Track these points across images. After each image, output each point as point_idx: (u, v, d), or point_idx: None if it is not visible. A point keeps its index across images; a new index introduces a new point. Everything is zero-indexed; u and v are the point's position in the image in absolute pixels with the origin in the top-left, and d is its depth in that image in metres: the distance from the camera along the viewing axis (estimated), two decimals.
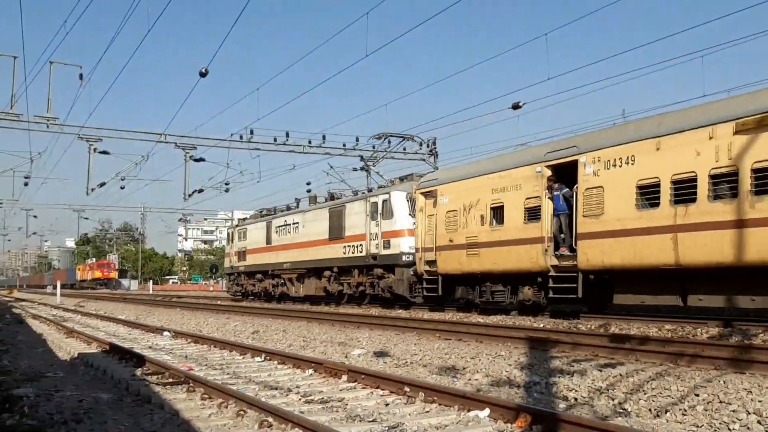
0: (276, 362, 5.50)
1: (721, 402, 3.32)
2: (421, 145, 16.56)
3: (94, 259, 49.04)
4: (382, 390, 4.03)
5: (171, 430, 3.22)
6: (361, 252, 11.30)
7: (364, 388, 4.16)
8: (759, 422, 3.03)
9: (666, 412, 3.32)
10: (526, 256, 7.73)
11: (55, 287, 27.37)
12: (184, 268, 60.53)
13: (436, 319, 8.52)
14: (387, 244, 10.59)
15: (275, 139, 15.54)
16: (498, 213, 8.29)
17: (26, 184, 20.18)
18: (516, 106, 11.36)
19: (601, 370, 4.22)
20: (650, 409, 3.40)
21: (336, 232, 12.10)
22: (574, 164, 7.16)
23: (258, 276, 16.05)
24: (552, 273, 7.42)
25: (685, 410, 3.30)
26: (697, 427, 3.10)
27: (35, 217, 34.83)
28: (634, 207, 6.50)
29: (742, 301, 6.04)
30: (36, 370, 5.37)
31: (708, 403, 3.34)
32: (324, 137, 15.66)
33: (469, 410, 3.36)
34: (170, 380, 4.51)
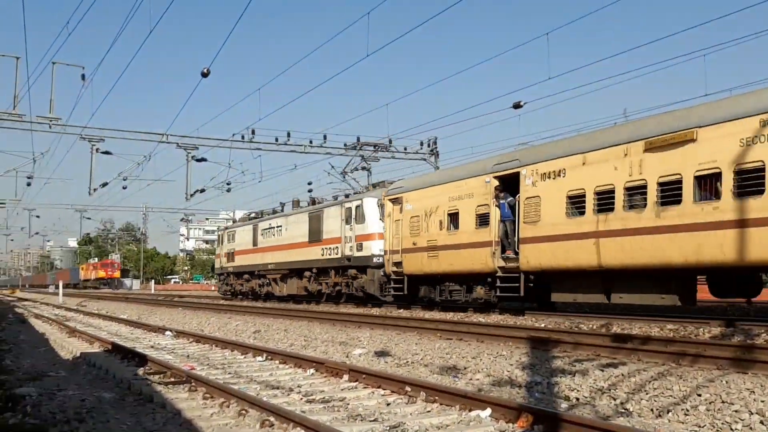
0: (277, 362, 5.51)
1: (723, 402, 3.31)
2: (423, 144, 16.60)
3: (96, 259, 49.14)
4: (384, 390, 4.04)
5: (173, 429, 3.23)
6: (336, 254, 12.19)
7: (365, 387, 4.17)
8: (762, 422, 3.02)
9: (668, 412, 3.31)
10: (477, 259, 8.67)
11: (57, 287, 27.49)
12: (186, 268, 60.72)
13: (437, 318, 8.57)
14: (360, 247, 11.48)
15: (276, 139, 15.59)
16: (454, 219, 9.19)
17: (29, 185, 20.28)
18: (517, 106, 11.55)
19: (602, 370, 4.22)
20: (652, 409, 3.40)
21: (315, 236, 13.01)
22: (516, 176, 8.13)
23: (245, 276, 16.91)
24: (499, 274, 8.40)
25: (688, 410, 3.29)
26: (700, 427, 3.09)
27: (38, 217, 35.08)
28: (565, 215, 7.41)
29: (654, 299, 6.77)
30: (38, 369, 5.40)
31: (710, 403, 3.33)
32: (325, 137, 15.72)
33: (470, 410, 3.35)
34: (172, 380, 4.52)
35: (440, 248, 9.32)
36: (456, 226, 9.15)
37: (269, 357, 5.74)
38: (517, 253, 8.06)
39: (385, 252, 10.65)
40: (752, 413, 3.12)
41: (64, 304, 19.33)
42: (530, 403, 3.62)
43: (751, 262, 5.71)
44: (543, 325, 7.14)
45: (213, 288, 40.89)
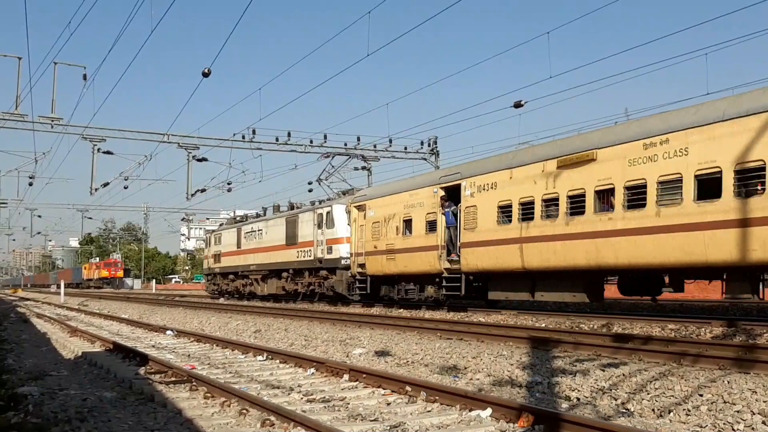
0: (278, 361, 5.52)
1: (725, 402, 3.30)
2: (423, 143, 16.60)
3: (97, 259, 49.17)
4: (384, 389, 4.04)
5: (174, 428, 3.23)
6: (310, 256, 13.23)
7: (365, 387, 4.17)
8: (764, 422, 3.01)
9: (669, 413, 3.30)
10: (427, 261, 9.75)
11: (59, 286, 27.55)
12: (187, 268, 60.78)
13: (437, 318, 8.63)
14: (330, 250, 12.48)
15: (277, 139, 15.63)
16: (408, 225, 10.34)
17: (31, 184, 20.35)
18: (518, 105, 11.58)
19: (603, 370, 4.21)
20: (653, 409, 3.38)
21: (291, 239, 14.07)
22: (458, 187, 9.22)
23: (230, 276, 17.95)
24: (445, 274, 9.46)
25: (689, 410, 3.28)
26: (701, 427, 3.08)
27: (39, 216, 35.13)
28: (496, 222, 8.52)
29: (567, 297, 7.85)
30: (40, 368, 5.41)
31: (712, 403, 3.32)
32: (325, 137, 15.79)
33: (470, 410, 3.35)
34: (173, 379, 4.53)
35: (397, 251, 10.45)
36: (410, 232, 10.25)
37: (270, 356, 5.74)
38: (458, 256, 9.11)
39: (351, 254, 11.75)
40: (754, 413, 3.10)
41: (66, 304, 19.41)
42: (531, 403, 3.61)
43: (639, 264, 6.67)
44: (543, 325, 7.18)
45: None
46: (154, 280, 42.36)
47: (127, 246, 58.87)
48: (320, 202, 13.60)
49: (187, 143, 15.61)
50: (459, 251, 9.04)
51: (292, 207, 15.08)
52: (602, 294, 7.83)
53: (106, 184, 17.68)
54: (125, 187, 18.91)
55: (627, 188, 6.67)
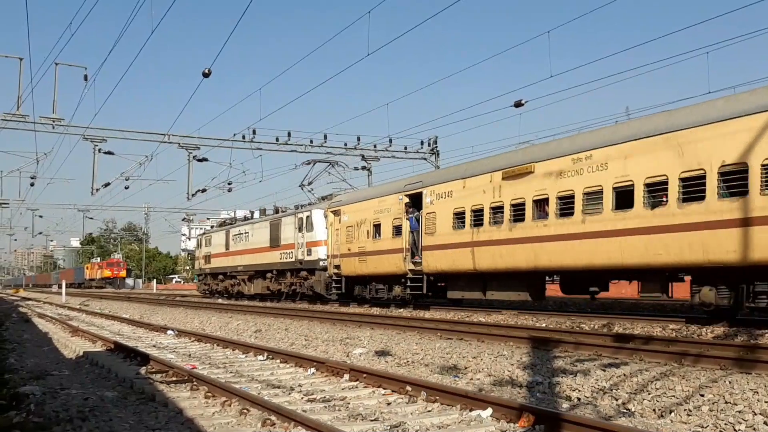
0: (278, 361, 5.52)
1: (726, 402, 3.29)
2: (423, 143, 16.61)
3: (99, 259, 49.20)
4: (384, 389, 4.04)
5: (175, 427, 3.23)
6: (291, 258, 14.24)
7: (365, 387, 4.17)
8: (765, 423, 3.00)
9: (670, 413, 3.30)
10: (393, 263, 10.63)
11: (60, 286, 27.58)
12: (188, 268, 60.85)
13: (437, 318, 8.70)
14: (309, 252, 13.52)
15: (277, 139, 15.64)
16: (378, 229, 11.20)
17: (32, 185, 20.38)
18: (518, 104, 11.65)
19: (604, 370, 4.20)
20: (654, 410, 3.38)
21: (275, 241, 15.08)
22: (420, 195, 10.09)
23: (220, 277, 19.01)
24: (409, 275, 10.30)
25: (690, 411, 3.27)
26: (703, 427, 3.07)
27: (41, 217, 35.18)
28: (452, 228, 9.30)
29: (513, 296, 8.70)
30: (42, 368, 5.43)
31: (713, 403, 3.31)
32: (325, 137, 15.85)
33: (471, 410, 3.35)
34: (174, 379, 4.54)
35: (368, 254, 11.32)
36: (379, 235, 11.13)
37: (270, 356, 5.75)
38: (421, 259, 9.97)
39: (328, 256, 12.64)
40: (756, 414, 3.09)
41: (67, 304, 19.44)
42: (531, 403, 3.60)
43: (570, 267, 7.53)
44: (544, 325, 7.20)
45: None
46: (155, 280, 42.36)
47: (128, 246, 58.94)
48: (301, 206, 14.42)
49: (188, 143, 15.63)
50: (421, 254, 9.90)
51: (276, 211, 15.90)
52: (543, 293, 8.72)
53: (107, 185, 17.73)
54: (126, 188, 19.02)
55: (559, 198, 7.55)
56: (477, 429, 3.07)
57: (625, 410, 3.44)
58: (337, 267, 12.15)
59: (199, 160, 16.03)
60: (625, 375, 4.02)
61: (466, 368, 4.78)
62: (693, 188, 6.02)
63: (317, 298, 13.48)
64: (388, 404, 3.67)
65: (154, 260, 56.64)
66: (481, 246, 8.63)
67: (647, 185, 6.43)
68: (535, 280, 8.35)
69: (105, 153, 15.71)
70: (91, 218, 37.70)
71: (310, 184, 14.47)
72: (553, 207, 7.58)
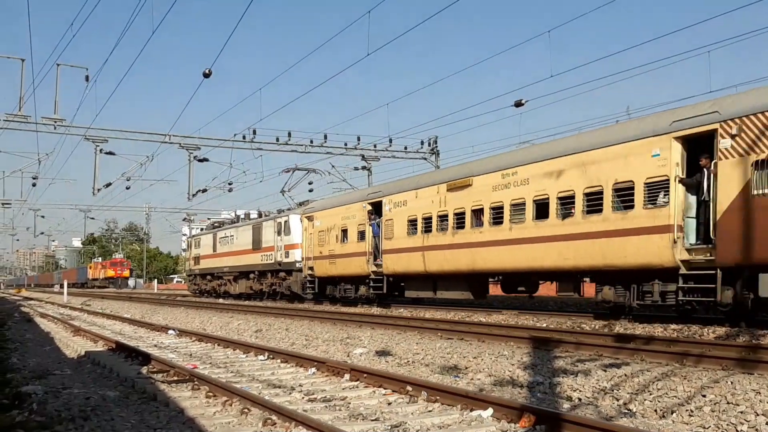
0: (279, 361, 5.53)
1: (728, 403, 3.28)
2: (424, 143, 16.63)
3: (100, 259, 49.21)
4: (385, 389, 4.04)
5: (176, 427, 3.24)
6: (271, 260, 15.32)
7: (366, 387, 4.17)
8: None
9: (672, 413, 3.29)
10: (358, 265, 11.70)
11: (62, 286, 27.66)
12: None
13: (437, 318, 8.75)
14: (287, 254, 14.58)
15: (277, 139, 15.65)
16: (345, 234, 12.29)
17: (34, 185, 20.44)
18: (519, 104, 11.74)
19: (605, 370, 4.20)
20: (656, 410, 3.37)
21: (257, 244, 16.21)
22: (380, 203, 11.27)
23: (208, 277, 20.24)
24: (372, 276, 11.42)
25: (692, 411, 3.26)
26: (704, 428, 3.06)
27: (43, 217, 35.25)
28: (407, 234, 10.41)
29: (458, 295, 9.77)
30: (44, 367, 5.45)
31: (715, 404, 3.30)
32: (326, 137, 15.86)
33: (472, 410, 3.34)
34: (175, 378, 4.55)
35: (337, 256, 12.42)
36: (346, 240, 12.19)
37: (271, 356, 5.76)
38: (381, 261, 11.09)
39: (303, 259, 13.78)
40: (758, 414, 3.08)
41: (69, 304, 19.49)
42: (532, 403, 3.60)
43: (501, 269, 8.66)
44: (545, 325, 7.20)
45: None
46: (156, 280, 42.35)
47: (129, 246, 59.06)
48: (280, 211, 15.68)
49: (188, 144, 15.65)
50: (382, 257, 11.05)
51: (260, 215, 17.17)
52: (485, 293, 9.88)
53: (108, 185, 17.76)
54: (127, 188, 19.08)
55: (492, 208, 8.66)
56: (478, 429, 3.07)
57: (626, 410, 3.44)
58: (311, 268, 13.36)
59: (200, 161, 16.06)
60: (626, 375, 4.01)
61: (466, 368, 4.78)
62: (594, 202, 7.11)
63: (294, 297, 14.53)
64: (389, 404, 3.67)
65: (155, 260, 56.74)
66: (431, 250, 9.75)
67: (559, 199, 7.55)
68: (476, 281, 9.48)
69: (106, 153, 15.76)
70: (93, 218, 37.85)
71: (290, 190, 15.65)
72: (487, 216, 8.75)
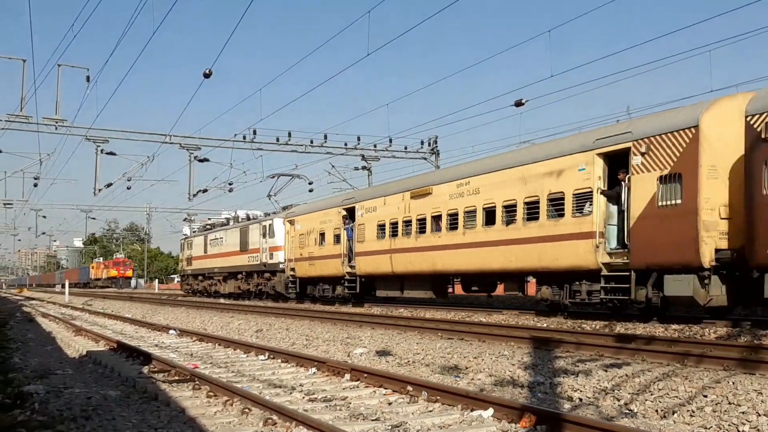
0: (279, 360, 5.54)
1: (730, 403, 3.27)
2: (424, 143, 16.64)
3: (101, 259, 49.22)
4: (385, 389, 4.04)
5: (177, 427, 3.25)
6: (257, 261, 16.36)
7: (366, 387, 4.18)
8: None
9: (673, 413, 3.28)
10: (334, 266, 12.61)
11: (63, 286, 27.73)
12: None
13: (438, 318, 8.78)
14: (271, 256, 15.54)
15: (278, 139, 15.70)
16: (323, 237, 13.21)
17: (36, 185, 20.46)
18: (519, 104, 11.84)
19: (606, 370, 4.19)
20: (657, 410, 3.36)
21: (244, 246, 17.23)
22: (354, 209, 12.18)
23: (200, 277, 21.26)
24: (347, 277, 12.30)
25: (693, 411, 3.25)
26: (706, 428, 3.05)
27: (44, 217, 35.27)
28: (376, 237, 11.34)
29: (422, 294, 10.69)
30: (46, 367, 5.47)
31: (716, 404, 3.29)
32: (326, 137, 15.91)
33: (472, 410, 3.34)
34: (176, 378, 4.56)
35: (315, 258, 13.32)
36: (323, 242, 13.08)
37: (271, 356, 5.77)
38: (354, 263, 11.98)
39: (286, 260, 14.69)
40: (760, 415, 3.08)
41: (70, 303, 19.60)
42: (533, 403, 3.60)
43: (457, 270, 9.59)
44: (545, 325, 7.20)
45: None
46: (156, 280, 42.35)
47: (130, 246, 59.14)
48: (266, 215, 16.70)
49: (189, 144, 15.68)
50: (355, 259, 11.94)
51: (248, 218, 18.06)
52: (445, 292, 10.75)
53: (109, 185, 17.81)
54: (128, 188, 19.10)
55: (448, 215, 9.51)
56: (478, 429, 3.07)
57: (627, 411, 3.44)
58: (293, 269, 14.26)
59: (200, 161, 16.12)
60: (627, 375, 4.01)
61: (467, 368, 4.78)
62: (532, 210, 8.02)
63: (279, 296, 15.38)
64: (389, 404, 3.67)
65: (155, 260, 56.80)
66: (397, 253, 10.70)
67: (504, 207, 8.47)
68: (437, 281, 10.36)
69: (107, 154, 15.79)
70: (94, 218, 37.86)
71: (276, 194, 16.48)
72: (444, 222, 9.58)
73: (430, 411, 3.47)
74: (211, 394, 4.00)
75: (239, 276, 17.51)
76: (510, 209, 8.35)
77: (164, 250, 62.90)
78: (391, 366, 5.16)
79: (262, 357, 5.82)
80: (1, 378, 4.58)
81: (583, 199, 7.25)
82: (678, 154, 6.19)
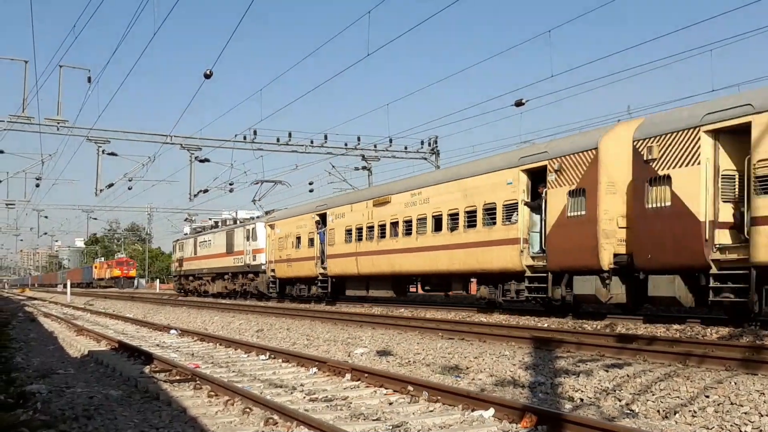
0: (280, 360, 5.55)
1: (732, 404, 3.26)
2: (424, 143, 16.66)
3: (103, 259, 49.18)
4: (386, 389, 4.04)
5: (179, 426, 3.26)
6: (242, 262, 17.38)
7: (367, 386, 4.18)
8: None
9: (675, 414, 3.27)
10: (308, 268, 13.83)
11: (65, 286, 27.82)
12: None
13: (438, 318, 8.81)
14: (254, 258, 16.57)
15: (278, 140, 15.73)
16: (299, 241, 14.42)
17: (38, 186, 20.51)
18: (519, 103, 11.90)
19: (607, 371, 4.18)
20: (658, 411, 3.36)
21: (229, 248, 18.37)
22: (325, 215, 13.35)
23: (191, 278, 22.37)
24: (319, 277, 13.49)
25: (695, 412, 3.24)
26: (708, 429, 3.04)
27: (46, 217, 35.29)
28: (344, 241, 12.45)
29: (384, 293, 11.77)
30: (48, 367, 5.49)
31: (718, 404, 3.28)
32: (326, 137, 15.94)
33: (473, 410, 3.34)
34: (177, 378, 4.57)
35: (293, 260, 14.47)
36: (300, 246, 14.26)
37: (272, 356, 5.78)
38: (326, 265, 13.12)
39: (267, 262, 15.87)
40: (762, 415, 3.06)
41: (72, 303, 19.68)
42: (534, 403, 3.59)
43: (412, 272, 10.65)
44: (546, 325, 7.20)
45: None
46: (158, 280, 42.44)
47: (131, 246, 59.27)
48: (251, 219, 17.69)
49: (190, 144, 15.71)
50: (326, 261, 13.00)
51: (234, 222, 19.19)
52: (405, 291, 12.11)
53: (110, 185, 17.84)
54: (129, 188, 19.19)
55: (404, 221, 10.65)
56: (479, 429, 3.06)
57: (628, 411, 3.43)
58: (273, 271, 15.42)
59: (201, 161, 16.15)
60: (628, 375, 4.00)
61: (467, 368, 4.78)
62: (471, 218, 9.11)
63: (261, 296, 16.31)
64: (390, 404, 3.67)
65: (157, 260, 56.95)
66: (362, 256, 11.73)
67: (450, 215, 9.51)
68: (396, 282, 11.45)
69: (109, 154, 15.83)
70: (95, 219, 37.87)
71: (260, 200, 17.66)
72: (401, 228, 10.69)
73: (431, 411, 3.47)
74: (213, 393, 4.01)
75: (226, 276, 18.58)
76: (454, 217, 9.43)
77: (165, 251, 62.90)
78: (391, 366, 5.16)
79: (263, 357, 5.83)
80: (4, 377, 4.59)
81: (511, 209, 8.44)
82: (582, 172, 7.32)
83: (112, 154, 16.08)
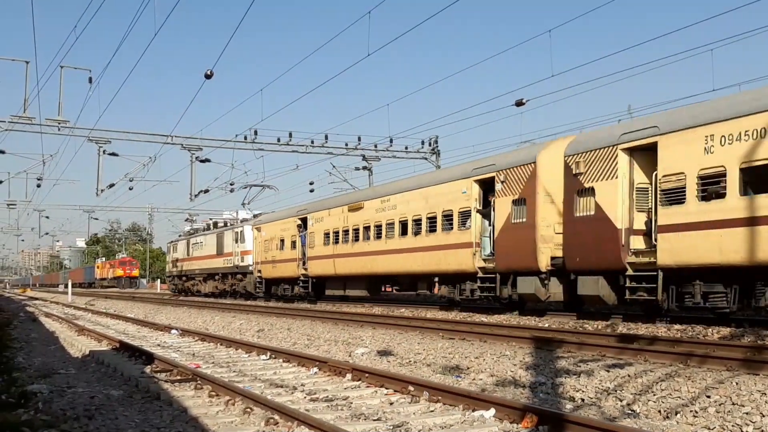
0: (281, 360, 5.55)
1: (733, 404, 3.26)
2: (424, 143, 16.66)
3: (104, 259, 49.16)
4: (387, 389, 4.05)
5: (180, 426, 3.26)
6: (231, 264, 18.44)
7: (368, 386, 4.18)
8: None
9: (676, 414, 3.27)
10: (291, 268, 14.85)
11: (66, 286, 27.86)
12: None
13: (439, 318, 8.83)
14: (242, 259, 17.63)
15: (279, 140, 15.76)
16: (282, 243, 15.42)
17: (39, 186, 20.55)
18: (519, 103, 11.91)
19: (608, 371, 4.18)
20: (660, 411, 3.35)
21: (219, 250, 19.46)
22: (306, 219, 14.38)
23: (184, 278, 23.43)
24: (301, 278, 14.50)
25: (696, 412, 3.24)
26: (709, 429, 3.04)
27: (47, 217, 35.31)
28: (323, 244, 13.37)
29: (359, 293, 12.64)
30: (49, 367, 5.51)
31: (720, 404, 3.28)
32: (326, 137, 15.97)
33: (474, 410, 3.35)
34: (178, 378, 4.58)
35: (277, 262, 15.44)
36: (283, 248, 15.21)
37: (273, 356, 5.78)
38: (307, 266, 14.07)
39: (254, 263, 16.83)
40: (764, 415, 3.06)
41: (73, 303, 19.71)
42: (535, 403, 3.59)
43: (384, 273, 11.39)
44: (547, 325, 7.21)
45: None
46: (158, 280, 42.49)
47: (132, 246, 59.36)
48: (239, 222, 18.76)
49: (190, 144, 15.74)
50: (307, 262, 13.88)
51: (225, 224, 20.49)
52: (378, 291, 12.79)
53: (111, 186, 17.87)
54: (130, 188, 19.19)
55: (375, 226, 11.55)
56: (480, 429, 3.06)
57: (629, 411, 3.42)
58: (260, 271, 16.37)
59: (202, 161, 16.19)
60: (629, 376, 3.99)
61: (468, 368, 4.78)
62: (432, 224, 9.97)
63: (249, 295, 17.22)
64: (391, 404, 3.68)
65: (158, 260, 57.09)
66: (339, 258, 12.56)
67: (414, 220, 10.48)
68: (370, 282, 12.23)
69: (109, 154, 15.87)
70: (96, 219, 37.90)
71: (249, 203, 18.36)
72: (372, 232, 11.58)
73: (432, 411, 3.48)
74: (213, 393, 4.02)
75: (216, 277, 19.64)
76: (418, 223, 10.35)
77: (166, 251, 62.92)
78: (392, 366, 5.16)
79: (263, 357, 5.84)
80: (5, 377, 4.59)
81: (465, 216, 9.28)
82: (524, 183, 8.16)
83: (113, 154, 16.12)
